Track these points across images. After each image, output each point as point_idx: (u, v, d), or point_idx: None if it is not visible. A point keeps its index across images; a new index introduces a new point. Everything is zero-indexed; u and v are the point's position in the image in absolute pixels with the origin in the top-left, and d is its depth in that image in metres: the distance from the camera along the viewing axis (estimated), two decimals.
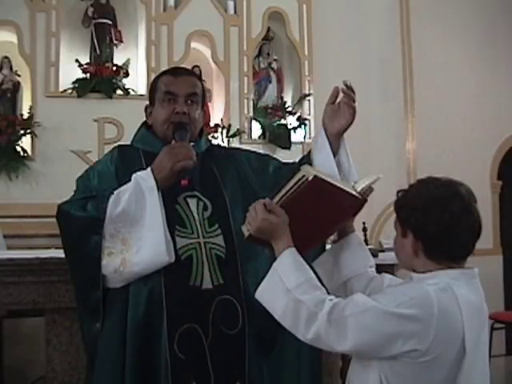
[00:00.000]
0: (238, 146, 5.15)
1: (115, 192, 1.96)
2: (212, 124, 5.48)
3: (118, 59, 5.44)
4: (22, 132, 5.02)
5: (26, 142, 5.07)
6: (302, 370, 2.11)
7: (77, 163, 4.85)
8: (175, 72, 2.22)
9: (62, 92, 5.22)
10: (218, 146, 3.14)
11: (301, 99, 5.79)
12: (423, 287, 1.57)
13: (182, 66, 4.34)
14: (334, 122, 2.01)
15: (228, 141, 5.47)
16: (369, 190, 1.83)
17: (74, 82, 5.25)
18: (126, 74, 5.40)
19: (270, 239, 1.69)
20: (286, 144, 5.66)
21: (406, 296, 1.54)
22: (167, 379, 1.90)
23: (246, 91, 5.66)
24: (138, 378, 1.91)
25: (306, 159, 2.11)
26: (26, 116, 5.07)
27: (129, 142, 2.26)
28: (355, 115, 1.98)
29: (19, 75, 5.19)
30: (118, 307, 1.97)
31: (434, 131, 6.07)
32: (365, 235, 4.30)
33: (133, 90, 5.40)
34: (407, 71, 6.04)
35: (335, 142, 2.03)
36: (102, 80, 5.24)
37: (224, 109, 5.62)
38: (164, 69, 2.50)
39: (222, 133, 5.47)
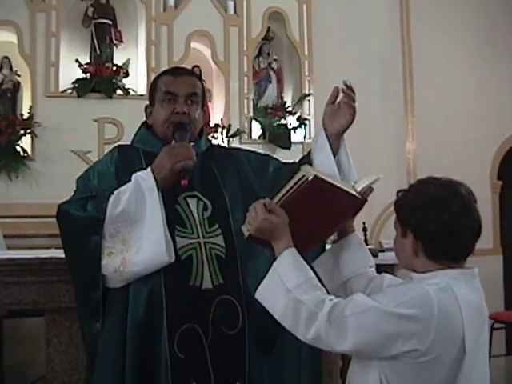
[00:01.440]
0: (238, 146, 5.15)
1: (115, 192, 1.96)
2: (212, 124, 5.48)
3: (118, 59, 5.44)
4: (22, 132, 5.02)
5: (26, 142, 5.07)
6: (302, 370, 2.11)
7: (77, 163, 4.85)
8: (175, 72, 2.22)
9: (62, 92, 5.23)
10: (218, 146, 3.14)
11: (301, 99, 5.79)
12: (423, 287, 1.57)
13: (182, 65, 4.34)
14: (334, 122, 2.01)
15: (228, 141, 5.47)
16: (369, 189, 1.83)
17: (74, 82, 5.25)
18: (126, 74, 5.39)
19: (270, 239, 1.69)
20: (286, 144, 5.66)
21: (406, 296, 1.54)
22: (167, 379, 1.90)
23: (246, 91, 5.66)
24: (138, 378, 1.91)
25: (306, 159, 2.11)
26: (26, 116, 5.07)
27: (129, 142, 2.26)
28: (355, 115, 1.98)
29: (19, 75, 5.19)
30: (118, 307, 1.97)
31: (434, 131, 6.07)
32: (365, 235, 4.30)
33: (133, 90, 5.40)
34: (407, 71, 6.04)
35: (335, 142, 2.03)
36: (102, 80, 5.24)
37: (224, 109, 5.62)
38: (164, 69, 2.50)
39: (221, 133, 5.47)
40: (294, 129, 5.73)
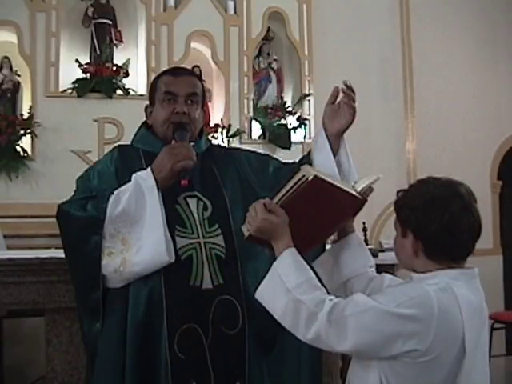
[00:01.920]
0: (238, 146, 5.15)
1: (115, 192, 1.96)
2: (212, 124, 5.48)
3: (118, 59, 5.44)
4: (22, 132, 5.02)
5: (26, 142, 5.07)
6: (302, 370, 2.10)
7: (77, 163, 4.85)
8: (175, 72, 2.22)
9: (62, 92, 5.22)
10: (218, 146, 3.14)
11: (301, 99, 5.79)
12: (423, 287, 1.57)
13: (182, 65, 4.34)
14: (334, 122, 2.01)
15: (228, 141, 5.47)
16: (369, 189, 1.83)
17: (74, 82, 5.25)
18: (126, 74, 5.39)
19: (270, 239, 1.69)
20: (286, 144, 5.66)
21: (405, 296, 1.54)
22: (167, 379, 1.90)
23: (246, 91, 5.66)
24: (138, 377, 1.91)
25: (306, 159, 2.11)
26: (26, 116, 5.07)
27: (129, 142, 2.26)
28: (355, 115, 1.98)
29: (19, 75, 5.19)
30: (118, 307, 1.97)
31: (434, 131, 6.07)
32: (365, 235, 4.30)
33: (133, 90, 5.40)
34: (407, 71, 6.04)
35: (335, 142, 2.03)
36: (102, 80, 5.24)
37: (224, 109, 5.62)
38: (164, 69, 2.50)
39: (221, 133, 5.47)
40: (294, 129, 5.73)
